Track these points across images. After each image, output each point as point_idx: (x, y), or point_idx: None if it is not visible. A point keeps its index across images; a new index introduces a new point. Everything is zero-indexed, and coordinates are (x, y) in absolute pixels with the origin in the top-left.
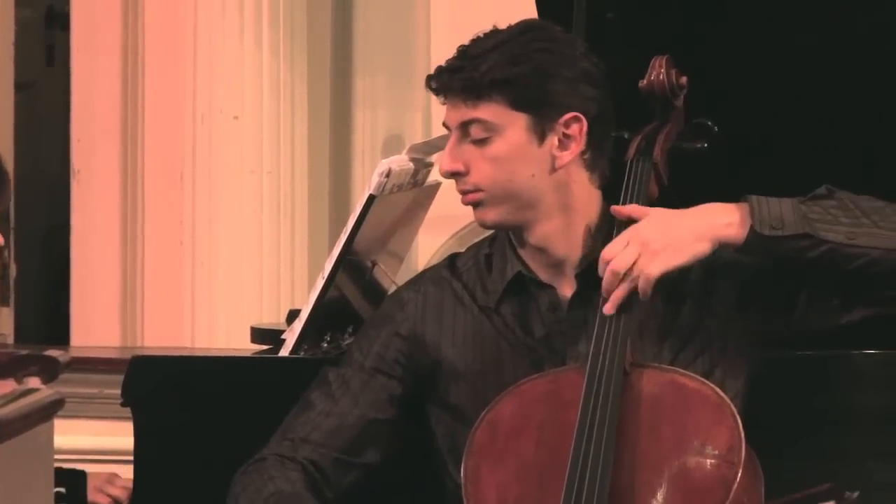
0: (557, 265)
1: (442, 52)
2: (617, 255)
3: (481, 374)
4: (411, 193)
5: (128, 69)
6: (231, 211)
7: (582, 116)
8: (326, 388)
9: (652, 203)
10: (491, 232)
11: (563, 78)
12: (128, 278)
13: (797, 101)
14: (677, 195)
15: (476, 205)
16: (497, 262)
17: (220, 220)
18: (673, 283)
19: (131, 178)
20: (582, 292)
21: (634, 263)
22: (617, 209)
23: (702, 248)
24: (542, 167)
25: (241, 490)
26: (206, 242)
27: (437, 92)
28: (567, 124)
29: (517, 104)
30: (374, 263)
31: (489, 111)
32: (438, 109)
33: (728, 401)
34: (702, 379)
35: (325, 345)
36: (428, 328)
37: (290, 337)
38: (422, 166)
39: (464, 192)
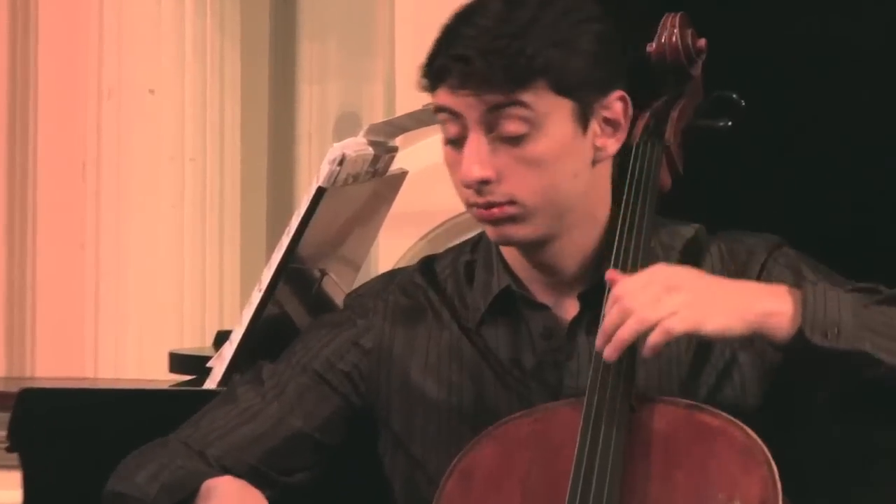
0: (559, 282)
1: (407, 10)
2: (634, 291)
3: (456, 409)
4: (370, 185)
5: (17, 33)
6: (145, 207)
7: (626, 95)
8: (257, 385)
9: (663, 195)
10: (477, 231)
11: (606, 51)
12: (15, 293)
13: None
14: (695, 186)
15: (505, 220)
16: (480, 273)
17: (132, 219)
18: None
19: (20, 169)
20: (584, 316)
21: (654, 307)
22: (611, 275)
23: (735, 326)
24: (584, 163)
25: (135, 467)
26: (113, 247)
27: (460, 83)
28: (609, 106)
29: (562, 88)
30: (323, 273)
31: (533, 98)
32: (404, 80)
33: (761, 443)
34: (728, 416)
35: None
36: (396, 344)
37: (219, 365)
38: (383, 151)
39: (489, 206)
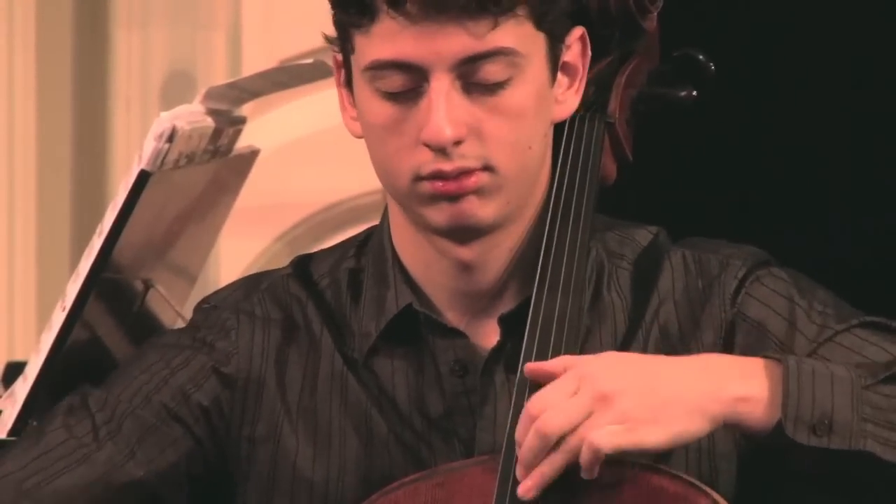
0: (479, 298)
1: None
2: (555, 402)
3: (336, 470)
4: (209, 168)
5: None
6: None
7: (585, 33)
8: (83, 417)
9: (605, 188)
10: (355, 230)
11: None
12: None
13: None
14: (648, 176)
15: (470, 194)
16: (371, 286)
17: None
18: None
19: None
20: (505, 346)
21: (578, 425)
22: (531, 368)
23: (694, 427)
24: (548, 122)
25: None
26: None
27: (421, 7)
28: (570, 45)
29: (540, 17)
30: (147, 285)
31: (514, 35)
32: (252, 27)
33: None
34: (691, 479)
35: None
36: (268, 375)
37: (10, 407)
38: (226, 124)
39: (459, 174)
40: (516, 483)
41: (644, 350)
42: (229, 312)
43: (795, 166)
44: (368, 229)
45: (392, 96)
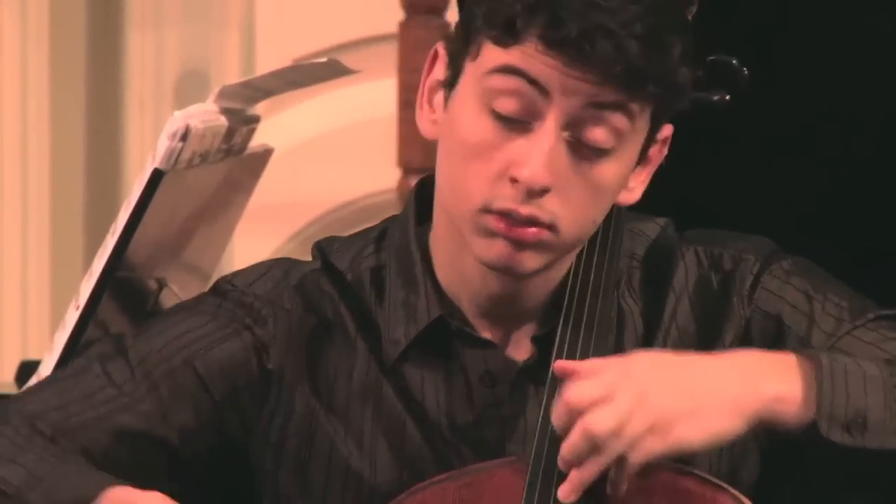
0: (513, 318)
1: None
2: (594, 402)
3: (369, 470)
4: (223, 167)
5: None
6: None
7: (671, 135)
8: (122, 364)
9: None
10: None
11: (689, 67)
12: None
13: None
14: (681, 182)
15: (528, 246)
16: (396, 288)
17: None
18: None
19: None
20: (537, 362)
21: (622, 429)
22: (561, 366)
23: (731, 426)
24: (614, 203)
25: None
26: None
27: (582, 58)
28: (657, 141)
29: (660, 105)
30: (160, 284)
31: (637, 109)
32: (266, 26)
33: None
34: (719, 482)
35: None
36: (301, 374)
37: None
38: (240, 123)
39: (527, 221)
40: (545, 485)
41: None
42: (263, 303)
43: (813, 166)
44: (383, 223)
45: (500, 119)
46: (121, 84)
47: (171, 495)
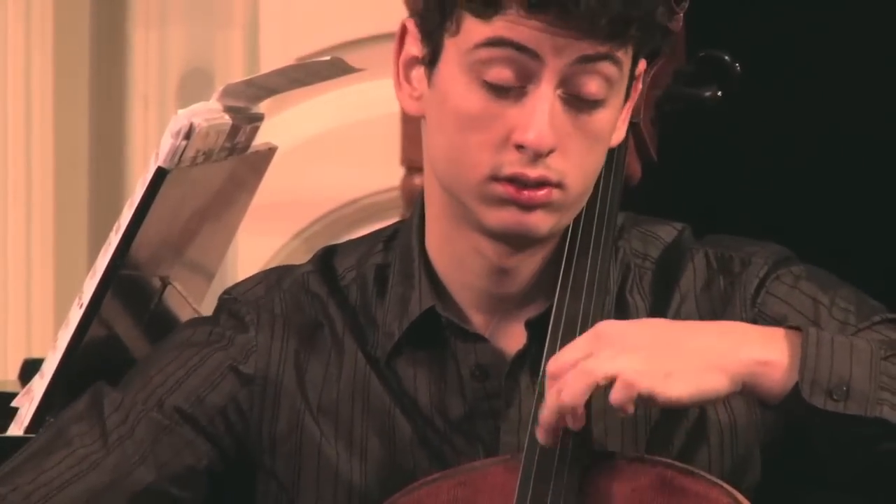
0: (507, 301)
1: None
2: (573, 361)
3: (359, 468)
4: (227, 166)
5: None
6: None
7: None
8: (96, 422)
9: (629, 188)
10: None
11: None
12: None
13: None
14: (673, 176)
15: (539, 207)
16: (396, 284)
17: None
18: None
19: None
20: (530, 350)
21: (603, 362)
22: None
23: (716, 384)
24: (608, 147)
25: None
26: None
27: (560, 16)
28: (636, 76)
29: (641, 47)
30: (165, 282)
31: (623, 56)
32: (269, 23)
33: None
34: (713, 478)
35: None
36: (287, 375)
37: (27, 404)
38: (244, 121)
39: (538, 184)
40: (538, 481)
41: None
42: (249, 308)
43: (820, 166)
44: (395, 224)
45: (493, 89)
46: (125, 82)
47: None
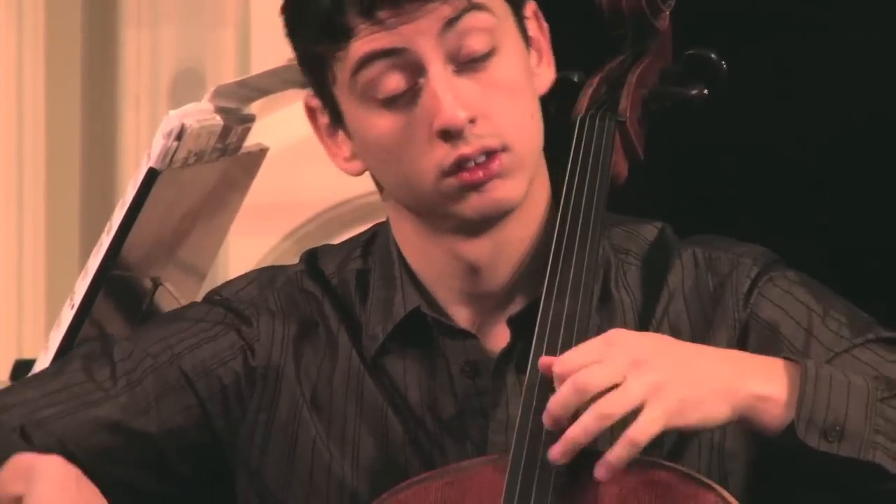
0: (487, 299)
1: None
2: (587, 361)
3: (351, 466)
4: (218, 167)
5: None
6: None
7: (537, 8)
8: (106, 363)
9: (616, 187)
10: (363, 226)
11: None
12: None
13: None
14: (660, 175)
15: (494, 178)
16: (378, 287)
17: None
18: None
19: None
20: (515, 348)
21: (616, 385)
22: (545, 363)
23: (719, 412)
24: (536, 94)
25: None
26: None
27: (391, 5)
28: (529, 19)
29: None
30: (156, 283)
31: (491, 2)
32: (261, 23)
33: None
34: (701, 477)
35: None
36: (287, 370)
37: None
38: (235, 122)
39: (481, 154)
40: (525, 482)
41: None
42: (247, 305)
43: (807, 165)
44: (373, 228)
45: (392, 103)
46: (116, 83)
47: (159, 494)
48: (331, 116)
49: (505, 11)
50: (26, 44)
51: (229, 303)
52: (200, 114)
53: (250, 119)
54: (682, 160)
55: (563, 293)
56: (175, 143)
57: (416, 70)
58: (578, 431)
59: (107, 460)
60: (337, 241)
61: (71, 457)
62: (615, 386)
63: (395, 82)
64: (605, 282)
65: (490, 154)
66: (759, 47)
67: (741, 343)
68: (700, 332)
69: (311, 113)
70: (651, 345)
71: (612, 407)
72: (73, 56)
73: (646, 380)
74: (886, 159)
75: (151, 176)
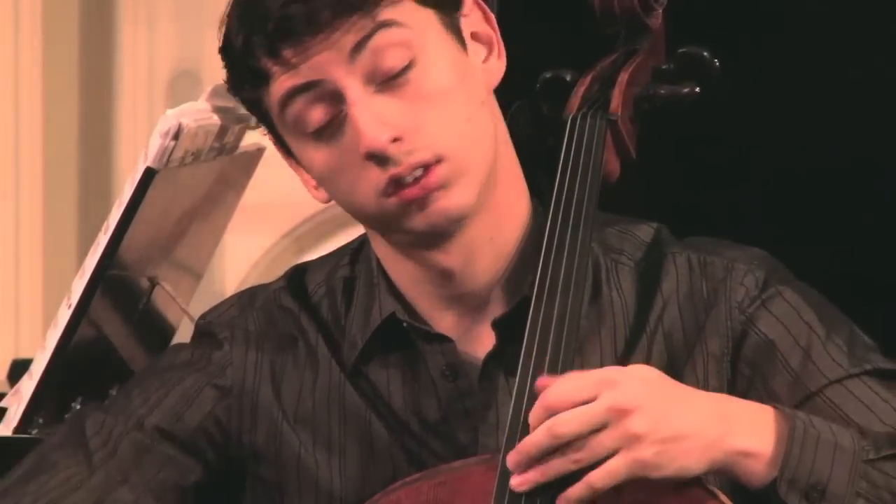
0: (467, 301)
1: None
2: (571, 400)
3: (338, 475)
4: (215, 166)
5: None
6: None
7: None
8: (78, 444)
9: (608, 186)
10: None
11: None
12: None
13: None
14: (653, 174)
15: (436, 190)
16: (361, 295)
17: None
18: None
19: None
20: (503, 351)
21: (600, 433)
22: (544, 383)
23: (695, 467)
24: (479, 92)
25: None
26: None
27: (305, 31)
28: (469, 15)
29: None
30: (153, 282)
31: (395, 14)
32: None
33: None
34: (703, 481)
35: None
36: (263, 385)
37: (15, 405)
38: (232, 121)
39: (414, 171)
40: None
41: (648, 356)
42: (223, 327)
43: (800, 166)
44: (362, 236)
45: (320, 134)
46: (113, 82)
47: None
48: (284, 151)
49: (423, 18)
50: (23, 43)
51: (209, 327)
52: (197, 113)
53: (247, 118)
54: (675, 159)
55: (554, 294)
56: (172, 143)
57: (335, 98)
58: (548, 470)
59: None
60: (332, 240)
61: None
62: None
63: (318, 114)
64: (596, 281)
65: (426, 167)
66: (752, 46)
67: (734, 351)
68: (693, 339)
69: (274, 144)
70: (644, 393)
71: (582, 456)
72: (71, 55)
73: (625, 431)
74: (883, 159)
75: (148, 175)
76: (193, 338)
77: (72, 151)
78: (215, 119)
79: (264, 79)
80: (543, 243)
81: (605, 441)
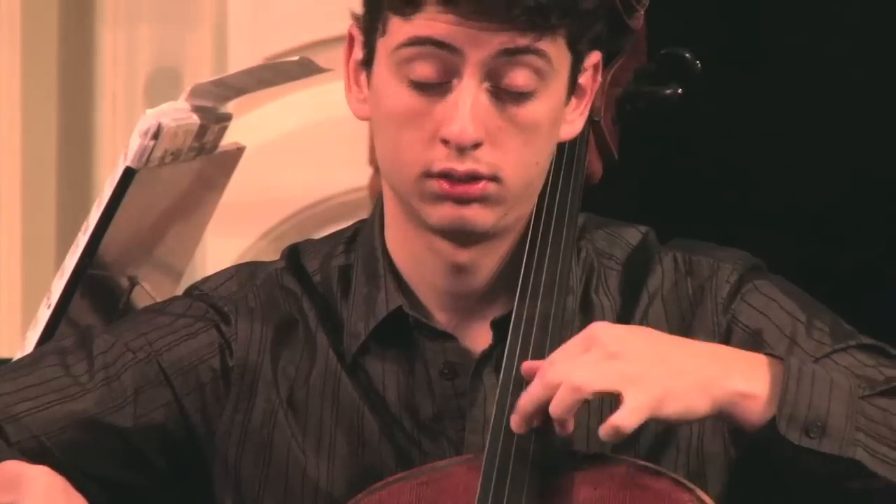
0: (468, 299)
1: None
2: (564, 359)
3: (327, 468)
4: (195, 165)
5: None
6: None
7: (600, 60)
8: (84, 356)
9: (591, 187)
10: (352, 223)
11: None
12: None
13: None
14: (635, 175)
15: (475, 201)
16: (361, 284)
17: None
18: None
19: None
20: (496, 350)
21: (591, 372)
22: (528, 367)
23: (701, 406)
24: (556, 140)
25: None
26: None
27: (475, 9)
28: (585, 69)
29: (575, 39)
30: (133, 282)
31: (552, 48)
32: (238, 23)
33: None
34: (677, 477)
35: None
36: (265, 369)
37: None
38: (212, 121)
39: (469, 178)
40: (499, 480)
41: None
42: (226, 302)
43: (783, 166)
44: (356, 224)
45: (419, 87)
46: (93, 82)
47: (136, 490)
48: (364, 56)
49: (565, 60)
50: (2, 43)
51: (209, 298)
52: (177, 113)
53: (227, 118)
54: (658, 160)
55: (537, 294)
56: (152, 142)
57: (454, 71)
58: (557, 407)
59: (82, 455)
60: (324, 233)
61: (46, 451)
62: None
63: (429, 71)
64: (587, 288)
65: (476, 178)
66: (734, 46)
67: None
68: (678, 334)
69: (350, 40)
70: (631, 338)
71: (586, 382)
72: (50, 55)
73: (623, 370)
74: (872, 158)
75: (128, 175)
76: (196, 297)
77: (51, 151)
78: (195, 119)
79: (414, 7)
80: (527, 243)
81: (606, 374)
